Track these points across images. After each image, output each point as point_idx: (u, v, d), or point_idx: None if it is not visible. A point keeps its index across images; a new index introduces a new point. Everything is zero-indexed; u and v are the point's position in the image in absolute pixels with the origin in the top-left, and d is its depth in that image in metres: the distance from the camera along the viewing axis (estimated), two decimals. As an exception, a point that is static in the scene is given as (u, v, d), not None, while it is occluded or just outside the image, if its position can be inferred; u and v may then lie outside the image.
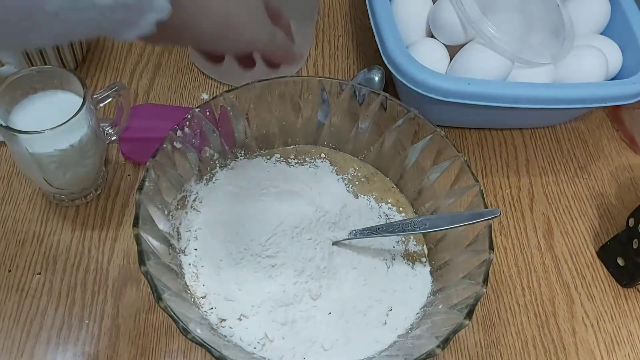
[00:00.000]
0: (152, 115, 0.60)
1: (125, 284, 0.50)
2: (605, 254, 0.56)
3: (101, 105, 0.51)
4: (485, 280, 0.41)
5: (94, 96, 0.50)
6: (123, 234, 0.53)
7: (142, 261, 0.39)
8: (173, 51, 0.68)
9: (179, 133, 0.47)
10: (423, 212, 0.52)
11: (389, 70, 0.56)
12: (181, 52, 0.68)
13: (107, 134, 0.55)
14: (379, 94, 0.51)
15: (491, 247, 0.43)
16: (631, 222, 0.53)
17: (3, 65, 0.61)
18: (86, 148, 0.49)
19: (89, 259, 0.52)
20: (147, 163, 0.44)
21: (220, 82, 0.65)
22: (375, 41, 0.58)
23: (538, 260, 0.56)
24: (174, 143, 0.47)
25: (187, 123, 0.48)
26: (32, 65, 0.60)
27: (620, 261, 0.54)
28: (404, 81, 0.54)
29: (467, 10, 0.56)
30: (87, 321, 0.48)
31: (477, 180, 0.47)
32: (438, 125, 0.48)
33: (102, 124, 0.53)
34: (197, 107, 0.49)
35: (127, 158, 0.58)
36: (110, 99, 0.51)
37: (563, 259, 0.56)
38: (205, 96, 0.64)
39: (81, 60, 0.65)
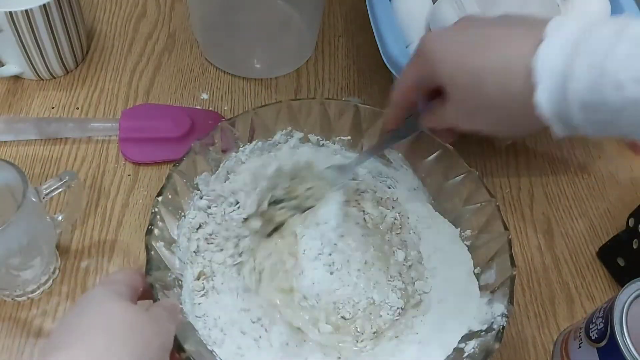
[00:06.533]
0: (152, 115, 0.60)
1: (125, 283, 0.50)
2: (605, 254, 0.56)
3: (49, 197, 0.46)
4: (511, 299, 0.42)
5: (42, 187, 0.45)
6: (123, 234, 0.53)
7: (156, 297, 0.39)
8: (173, 51, 0.68)
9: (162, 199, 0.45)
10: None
11: (389, 70, 0.56)
12: (181, 52, 0.68)
13: (56, 223, 0.49)
14: (383, 112, 0.51)
15: (513, 264, 0.44)
16: (631, 222, 0.53)
17: (3, 65, 0.61)
18: (28, 250, 0.45)
19: (89, 259, 0.52)
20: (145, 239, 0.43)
21: (220, 83, 0.66)
22: (375, 41, 0.58)
23: (538, 260, 0.56)
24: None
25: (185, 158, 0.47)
26: (33, 66, 0.61)
27: (620, 261, 0.54)
28: (404, 81, 0.54)
29: (467, 10, 0.56)
30: (87, 321, 0.48)
31: (493, 196, 0.47)
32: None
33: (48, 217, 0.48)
34: (197, 140, 0.48)
35: (127, 158, 0.58)
36: (60, 190, 0.46)
37: (563, 259, 0.56)
38: (205, 96, 0.64)
39: (81, 60, 0.65)
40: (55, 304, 0.49)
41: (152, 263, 0.41)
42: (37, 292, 0.49)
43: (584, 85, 0.30)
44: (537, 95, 0.31)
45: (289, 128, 0.52)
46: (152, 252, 0.41)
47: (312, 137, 0.54)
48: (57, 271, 0.50)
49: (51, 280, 0.50)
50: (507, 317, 0.41)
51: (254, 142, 0.51)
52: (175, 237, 0.46)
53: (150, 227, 0.43)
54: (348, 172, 0.51)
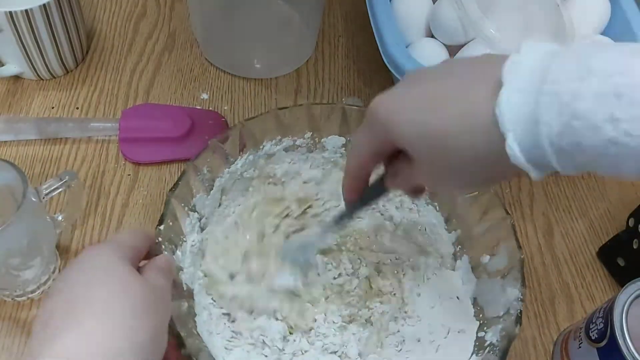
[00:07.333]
0: (152, 115, 0.60)
1: (125, 283, 0.50)
2: (605, 254, 0.56)
3: (48, 197, 0.46)
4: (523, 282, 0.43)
5: (42, 187, 0.45)
6: (123, 233, 0.53)
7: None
8: (173, 51, 0.68)
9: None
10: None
11: (389, 70, 0.56)
12: (181, 52, 0.68)
13: (56, 223, 0.50)
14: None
15: (519, 247, 0.44)
16: (631, 222, 0.53)
17: (3, 65, 0.61)
18: (28, 250, 0.45)
19: (89, 259, 0.51)
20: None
21: (220, 83, 0.66)
22: (375, 41, 0.58)
23: (538, 260, 0.56)
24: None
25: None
26: (33, 66, 0.61)
27: (620, 261, 0.54)
28: (404, 81, 0.54)
29: (467, 10, 0.56)
30: (87, 321, 0.48)
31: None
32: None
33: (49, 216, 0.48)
34: (189, 161, 0.47)
35: (127, 158, 0.58)
36: (60, 190, 0.46)
37: (563, 259, 0.56)
38: (205, 96, 0.64)
39: (81, 60, 0.65)
40: (55, 304, 0.49)
41: None
42: (37, 292, 0.49)
43: (557, 130, 0.27)
44: (509, 147, 0.28)
45: (278, 137, 0.52)
46: None
47: (301, 143, 0.53)
48: (57, 271, 0.50)
49: (51, 280, 0.49)
50: (523, 300, 0.42)
51: (245, 156, 0.51)
52: (181, 264, 0.45)
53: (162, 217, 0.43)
54: (310, 251, 0.49)
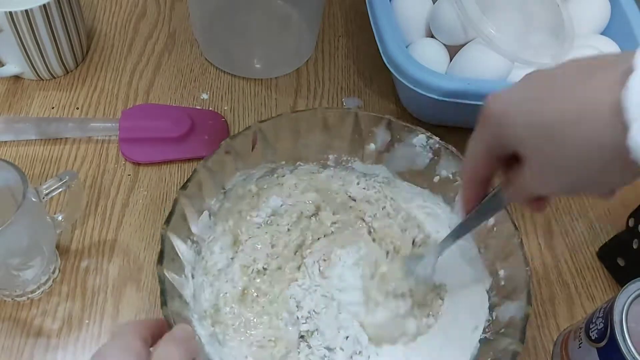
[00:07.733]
0: (152, 115, 0.60)
1: (125, 284, 0.50)
2: (605, 254, 0.56)
3: (48, 197, 0.46)
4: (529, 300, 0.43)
5: (42, 187, 0.45)
6: (123, 234, 0.53)
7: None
8: (173, 51, 0.68)
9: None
10: None
11: (389, 70, 0.56)
12: (181, 52, 0.68)
13: (56, 223, 0.49)
14: (382, 117, 0.51)
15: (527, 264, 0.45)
16: (631, 222, 0.53)
17: (3, 65, 0.61)
18: (28, 250, 0.45)
19: (89, 259, 0.52)
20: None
21: (220, 83, 0.66)
22: (375, 41, 0.58)
23: (538, 260, 0.56)
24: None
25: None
26: (33, 66, 0.61)
27: (620, 261, 0.54)
28: (404, 81, 0.54)
29: (467, 10, 0.56)
30: (87, 321, 0.48)
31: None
32: (438, 126, 0.49)
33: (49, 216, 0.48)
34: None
35: (127, 158, 0.58)
36: (60, 190, 0.46)
37: (563, 259, 0.56)
38: (205, 96, 0.64)
39: (81, 60, 0.65)
40: (55, 304, 0.49)
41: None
42: (37, 292, 0.49)
43: None
44: (632, 137, 0.26)
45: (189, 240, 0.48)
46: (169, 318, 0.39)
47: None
48: (57, 271, 0.50)
49: (51, 280, 0.50)
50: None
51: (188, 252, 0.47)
52: (186, 295, 0.44)
53: (162, 295, 0.40)
54: (428, 263, 0.47)
